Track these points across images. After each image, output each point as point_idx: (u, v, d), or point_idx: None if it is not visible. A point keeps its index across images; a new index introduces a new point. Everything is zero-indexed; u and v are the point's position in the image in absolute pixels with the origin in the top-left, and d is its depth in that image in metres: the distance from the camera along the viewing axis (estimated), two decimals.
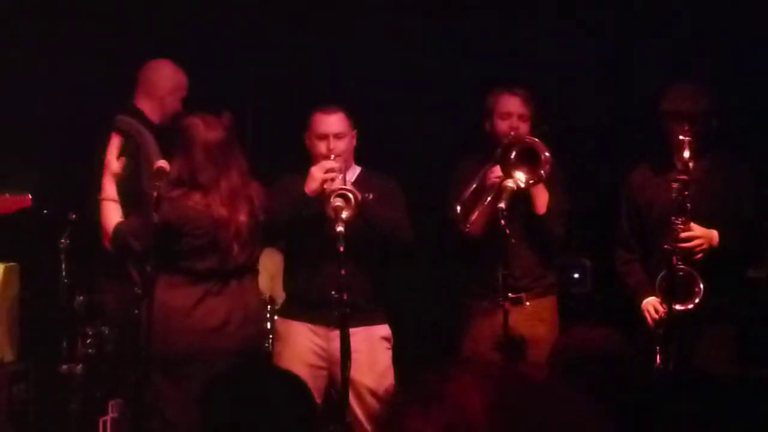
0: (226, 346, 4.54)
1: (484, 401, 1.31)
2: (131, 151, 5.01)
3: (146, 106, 5.31)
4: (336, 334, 4.59)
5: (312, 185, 4.68)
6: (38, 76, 6.03)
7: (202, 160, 4.59)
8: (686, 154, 4.60)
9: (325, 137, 4.85)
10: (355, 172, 5.01)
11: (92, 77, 5.98)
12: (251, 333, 4.76)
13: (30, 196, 5.07)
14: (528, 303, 5.04)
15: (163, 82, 5.33)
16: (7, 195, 5.10)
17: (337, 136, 4.85)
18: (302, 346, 4.86)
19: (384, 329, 4.95)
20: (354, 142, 4.97)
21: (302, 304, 4.93)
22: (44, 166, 5.86)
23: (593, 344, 3.10)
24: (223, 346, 4.52)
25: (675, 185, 4.61)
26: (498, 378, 1.36)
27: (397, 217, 4.86)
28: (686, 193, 4.60)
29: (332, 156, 4.78)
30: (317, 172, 4.70)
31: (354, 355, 4.53)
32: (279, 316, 5.20)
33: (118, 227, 4.66)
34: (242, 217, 4.61)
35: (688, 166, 4.60)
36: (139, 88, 5.36)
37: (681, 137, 4.63)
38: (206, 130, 4.62)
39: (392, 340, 4.97)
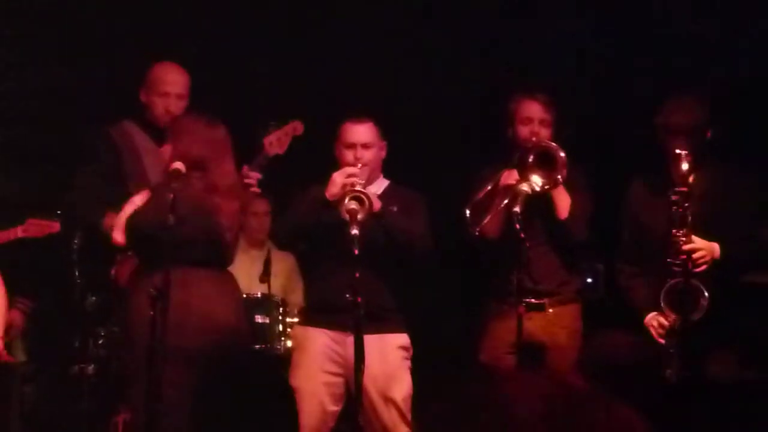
0: (238, 341, 4.57)
1: (533, 412, 1.31)
2: (109, 157, 5.04)
3: (144, 107, 5.27)
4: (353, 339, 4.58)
5: (333, 190, 4.69)
6: (52, 76, 6.02)
7: (206, 152, 4.59)
8: (684, 166, 4.57)
9: (352, 146, 4.88)
10: (382, 185, 5.02)
11: (107, 79, 5.99)
12: (246, 328, 4.82)
13: (59, 224, 5.14)
14: (551, 310, 5.01)
15: (146, 82, 5.24)
16: (38, 220, 5.14)
17: (365, 146, 4.88)
18: (319, 352, 4.83)
19: (402, 338, 4.91)
20: (383, 153, 4.99)
21: (319, 310, 4.91)
22: (58, 165, 5.84)
23: (619, 351, 3.10)
24: (236, 341, 4.54)
25: (675, 197, 4.59)
26: (547, 389, 1.35)
27: (416, 229, 4.85)
28: (686, 204, 4.58)
29: (358, 165, 4.79)
30: (338, 177, 4.70)
31: (368, 362, 4.45)
32: (298, 324, 5.20)
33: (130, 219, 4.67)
34: (234, 209, 4.62)
35: (687, 178, 4.58)
36: None
37: (678, 151, 4.62)
38: (209, 126, 4.65)
39: (411, 350, 4.92)
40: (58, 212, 5.42)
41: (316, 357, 4.82)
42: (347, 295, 4.46)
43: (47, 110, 6.03)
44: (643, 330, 4.72)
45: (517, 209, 4.67)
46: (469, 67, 6.22)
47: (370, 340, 4.52)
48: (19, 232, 5.23)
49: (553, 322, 5.02)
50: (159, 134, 5.09)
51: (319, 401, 4.78)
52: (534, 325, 4.90)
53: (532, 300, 4.91)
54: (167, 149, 4.62)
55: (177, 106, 5.14)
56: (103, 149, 5.11)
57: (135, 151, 5.11)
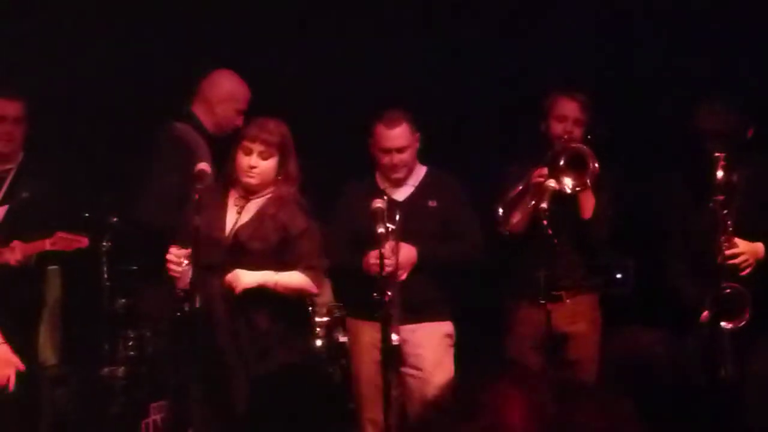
0: None
1: (523, 412, 1.28)
2: (183, 158, 5.03)
3: (200, 113, 5.31)
4: (399, 330, 4.71)
5: (364, 264, 4.78)
6: (88, 78, 6.02)
7: None
8: (720, 174, 4.55)
9: (388, 151, 4.93)
10: (420, 173, 5.07)
11: (146, 81, 5.99)
12: None
13: (87, 239, 5.16)
14: (568, 300, 5.05)
15: (216, 89, 5.31)
16: (67, 234, 5.16)
17: (400, 150, 4.93)
18: (367, 343, 4.97)
19: (445, 326, 5.04)
20: (417, 144, 5.01)
21: (366, 304, 4.88)
22: (88, 168, 5.86)
23: (643, 348, 3.07)
24: None
25: (713, 206, 4.57)
26: (538, 387, 1.33)
27: (460, 250, 4.94)
28: (726, 212, 4.57)
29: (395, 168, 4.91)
30: (373, 261, 4.66)
31: (418, 351, 4.87)
32: (348, 317, 5.33)
33: None
34: None
35: (722, 186, 4.56)
36: (196, 95, 5.36)
37: (716, 154, 4.58)
38: None
39: (454, 337, 5.05)
40: (86, 215, 5.43)
41: (365, 348, 4.98)
42: (374, 294, 4.49)
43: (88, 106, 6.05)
44: (696, 328, 4.68)
45: (544, 206, 4.68)
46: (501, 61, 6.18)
47: (413, 330, 4.82)
48: (47, 245, 5.22)
49: (572, 312, 5.06)
50: (211, 141, 5.20)
51: (375, 385, 4.83)
52: (554, 316, 4.93)
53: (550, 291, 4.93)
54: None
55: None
56: (176, 148, 5.11)
57: (197, 155, 5.11)
